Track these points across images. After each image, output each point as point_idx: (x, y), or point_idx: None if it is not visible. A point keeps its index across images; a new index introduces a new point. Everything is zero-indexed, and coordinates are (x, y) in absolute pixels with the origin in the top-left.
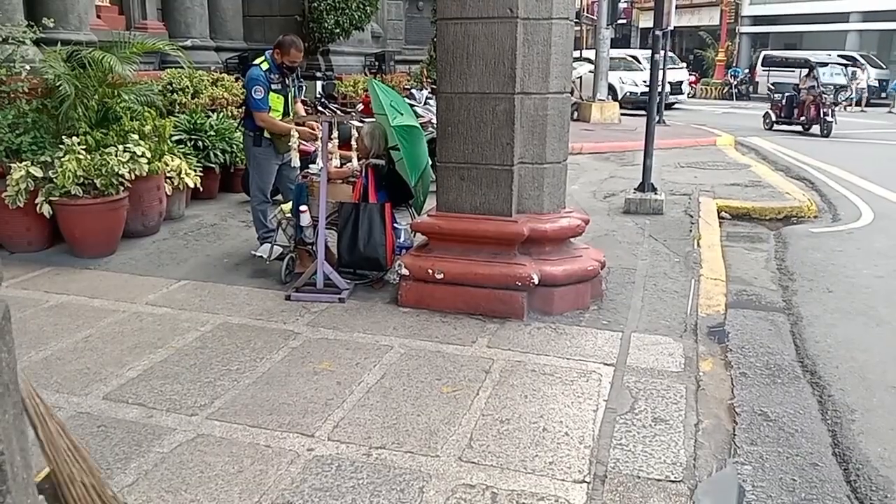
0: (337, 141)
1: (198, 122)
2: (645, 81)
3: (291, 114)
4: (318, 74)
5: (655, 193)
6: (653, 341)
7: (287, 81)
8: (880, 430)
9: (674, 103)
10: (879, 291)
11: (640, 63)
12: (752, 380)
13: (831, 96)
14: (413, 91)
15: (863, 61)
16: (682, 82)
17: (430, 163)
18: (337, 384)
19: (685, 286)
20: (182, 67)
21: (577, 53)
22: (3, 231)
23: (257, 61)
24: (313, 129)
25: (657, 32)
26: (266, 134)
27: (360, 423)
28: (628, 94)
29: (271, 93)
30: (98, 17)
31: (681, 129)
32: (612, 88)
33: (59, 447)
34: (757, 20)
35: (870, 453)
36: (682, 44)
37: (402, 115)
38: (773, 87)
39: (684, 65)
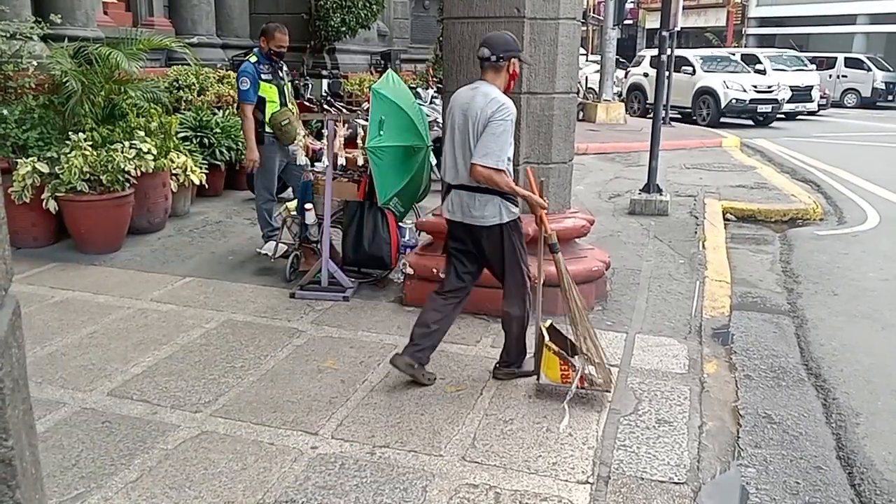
0: (343, 139)
1: (204, 119)
2: (756, 86)
3: (290, 104)
4: (325, 73)
5: (661, 194)
6: (657, 343)
7: (280, 73)
8: (885, 433)
9: (798, 113)
10: (885, 295)
11: (753, 63)
12: (757, 382)
13: None
14: (419, 90)
15: (870, 64)
16: (811, 87)
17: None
18: (341, 382)
19: (690, 288)
20: (188, 64)
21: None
22: (10, 226)
23: (248, 57)
24: (278, 126)
25: (664, 33)
26: (268, 130)
27: (364, 421)
28: (734, 101)
29: (263, 83)
30: (105, 13)
31: (686, 130)
32: (710, 94)
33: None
34: (763, 21)
35: (874, 457)
36: (689, 45)
37: (381, 134)
38: None
39: (814, 66)
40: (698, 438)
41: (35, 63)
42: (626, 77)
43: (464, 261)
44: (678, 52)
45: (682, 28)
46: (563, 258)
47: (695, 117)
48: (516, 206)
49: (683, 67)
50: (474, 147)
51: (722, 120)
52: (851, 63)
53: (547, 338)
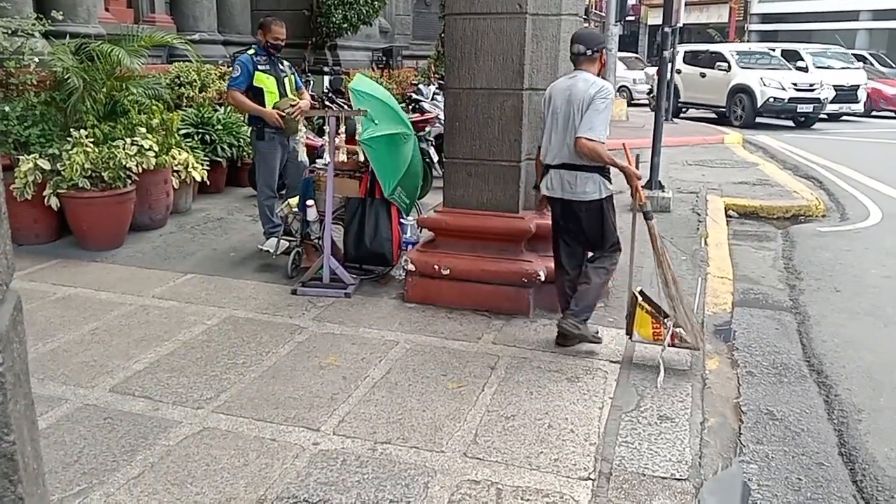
0: (344, 136)
1: (205, 115)
2: (797, 84)
3: (291, 95)
4: (326, 69)
5: (663, 191)
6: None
7: (278, 65)
8: (887, 430)
9: (842, 115)
10: (887, 291)
11: (794, 60)
12: (759, 378)
13: None
14: (420, 86)
15: (873, 60)
16: (856, 87)
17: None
18: (343, 379)
19: (692, 284)
20: (190, 61)
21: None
22: (11, 223)
23: (248, 49)
24: (279, 116)
25: (666, 29)
26: (269, 126)
27: (366, 417)
28: (771, 100)
29: (259, 73)
30: (106, 10)
31: (689, 126)
32: (746, 92)
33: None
34: (766, 18)
35: (876, 453)
36: (691, 41)
37: (375, 124)
38: None
39: (860, 64)
40: (700, 435)
41: (37, 60)
42: (658, 73)
43: (567, 239)
44: (714, 46)
45: (684, 24)
46: (655, 224)
47: (729, 117)
48: (611, 182)
49: (718, 63)
50: (579, 125)
51: (758, 120)
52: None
53: (640, 299)
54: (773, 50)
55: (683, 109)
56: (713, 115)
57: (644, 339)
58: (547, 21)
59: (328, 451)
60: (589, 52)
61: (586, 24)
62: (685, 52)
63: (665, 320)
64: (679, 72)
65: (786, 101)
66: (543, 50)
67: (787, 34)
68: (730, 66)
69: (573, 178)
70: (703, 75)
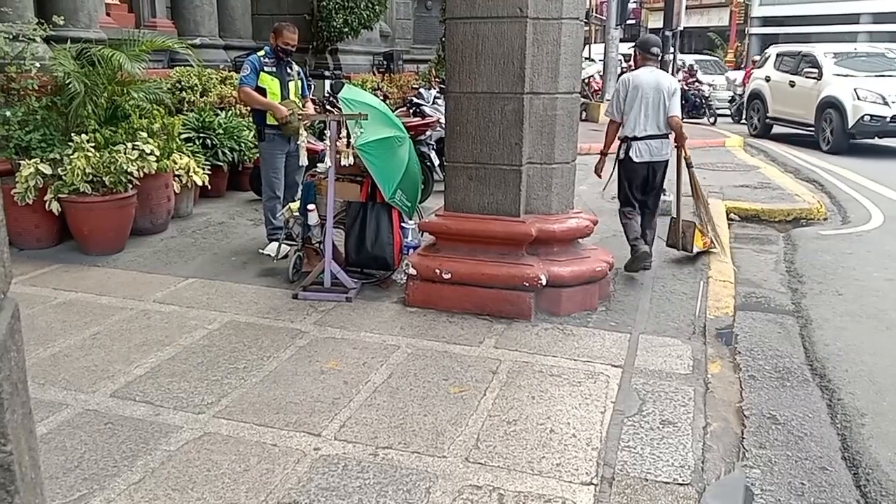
0: (346, 140)
1: (206, 120)
2: None
3: (294, 99)
4: (327, 73)
5: (664, 194)
6: (661, 343)
7: (286, 69)
8: (890, 434)
9: None
10: (889, 294)
11: None
12: (761, 383)
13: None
14: (421, 90)
15: None
16: None
17: (434, 166)
18: (344, 383)
19: (694, 288)
20: (191, 66)
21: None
22: (12, 228)
23: (258, 51)
24: (284, 114)
25: (667, 33)
26: (269, 123)
27: (367, 422)
28: (867, 118)
29: (264, 74)
30: (108, 14)
31: (690, 129)
32: (834, 107)
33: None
34: (766, 21)
35: (880, 457)
36: (691, 44)
37: (362, 130)
38: None
39: None
40: (703, 439)
41: (38, 65)
42: (745, 81)
43: (636, 190)
44: (805, 47)
45: (684, 28)
46: (695, 171)
47: (817, 139)
48: None
49: (807, 70)
50: (669, 106)
51: (852, 142)
52: None
53: (698, 224)
54: (893, 51)
55: (772, 125)
56: (806, 134)
57: (702, 249)
58: (548, 25)
59: (329, 457)
60: (660, 54)
61: (587, 28)
62: (776, 55)
63: (709, 234)
64: (768, 79)
65: (888, 119)
66: (544, 54)
67: (788, 37)
68: (821, 73)
69: (661, 144)
70: (791, 84)
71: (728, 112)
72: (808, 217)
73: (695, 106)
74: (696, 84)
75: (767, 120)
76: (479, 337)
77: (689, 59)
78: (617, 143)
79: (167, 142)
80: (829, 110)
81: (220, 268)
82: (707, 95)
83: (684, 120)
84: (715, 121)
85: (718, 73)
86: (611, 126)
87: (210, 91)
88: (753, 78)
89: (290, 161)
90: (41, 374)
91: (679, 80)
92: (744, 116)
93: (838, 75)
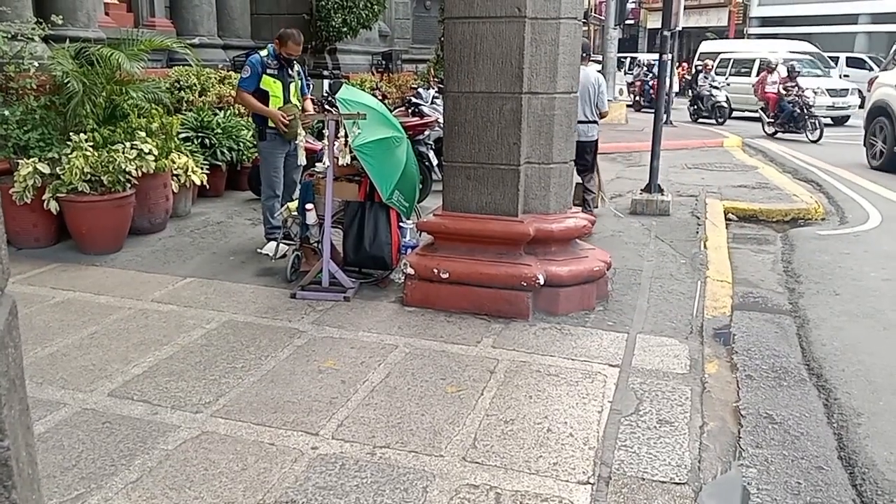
0: (344, 139)
1: (205, 119)
2: None
3: (295, 101)
4: (326, 73)
5: (662, 194)
6: (658, 343)
7: (287, 71)
8: (887, 433)
9: None
10: (887, 294)
11: None
12: (758, 382)
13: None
14: (420, 90)
15: (872, 63)
16: None
17: (433, 165)
18: (341, 383)
19: (691, 288)
20: (190, 65)
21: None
22: (11, 227)
23: (261, 50)
24: (282, 125)
25: (665, 33)
26: (270, 124)
27: (365, 421)
28: None
29: (266, 77)
30: (106, 14)
31: (688, 130)
32: (886, 115)
33: None
34: (765, 21)
35: (876, 457)
36: (690, 45)
37: (360, 130)
38: None
39: None
40: (699, 439)
41: (36, 64)
42: (869, 89)
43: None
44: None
45: (683, 28)
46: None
47: (866, 150)
48: None
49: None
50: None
51: None
52: (853, 63)
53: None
54: None
55: None
56: (853, 144)
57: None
58: (546, 25)
59: (327, 456)
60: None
61: (585, 28)
62: None
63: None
64: None
65: None
66: (542, 54)
67: (786, 38)
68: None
69: (587, 128)
70: None
71: (830, 122)
72: (806, 217)
73: (792, 117)
74: (797, 90)
75: None
76: (476, 336)
77: (781, 50)
78: None
79: (165, 141)
80: (880, 118)
81: (218, 267)
82: (812, 104)
83: (779, 135)
84: (821, 135)
85: (822, 71)
86: None
87: (209, 91)
88: (878, 85)
89: (288, 160)
90: (39, 373)
91: (775, 84)
92: (867, 138)
93: None
